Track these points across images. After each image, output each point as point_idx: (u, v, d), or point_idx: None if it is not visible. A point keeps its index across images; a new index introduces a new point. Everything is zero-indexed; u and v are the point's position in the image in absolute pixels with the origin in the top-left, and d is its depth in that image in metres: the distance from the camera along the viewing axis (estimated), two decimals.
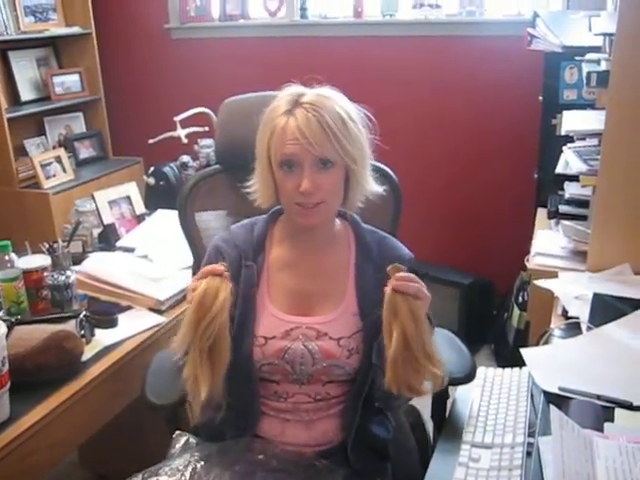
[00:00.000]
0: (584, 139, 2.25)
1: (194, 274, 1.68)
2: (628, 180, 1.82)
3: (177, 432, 1.39)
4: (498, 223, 3.23)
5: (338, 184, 1.27)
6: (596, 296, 1.70)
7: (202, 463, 1.28)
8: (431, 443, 1.62)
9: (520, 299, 2.99)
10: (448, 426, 1.45)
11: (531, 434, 1.35)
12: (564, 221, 2.18)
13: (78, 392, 1.50)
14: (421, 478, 1.50)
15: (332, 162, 1.22)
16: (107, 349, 1.65)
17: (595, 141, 2.08)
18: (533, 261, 2.05)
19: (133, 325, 1.75)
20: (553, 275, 1.94)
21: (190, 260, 1.98)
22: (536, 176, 2.70)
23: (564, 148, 2.13)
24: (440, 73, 3.10)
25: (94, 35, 3.59)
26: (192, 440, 1.37)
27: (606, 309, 1.65)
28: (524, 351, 1.55)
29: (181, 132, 3.05)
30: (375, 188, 1.32)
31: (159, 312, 1.83)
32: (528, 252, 2.90)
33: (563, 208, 2.28)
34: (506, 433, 1.36)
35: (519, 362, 2.29)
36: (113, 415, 1.65)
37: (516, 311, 2.95)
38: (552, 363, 1.49)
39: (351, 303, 1.32)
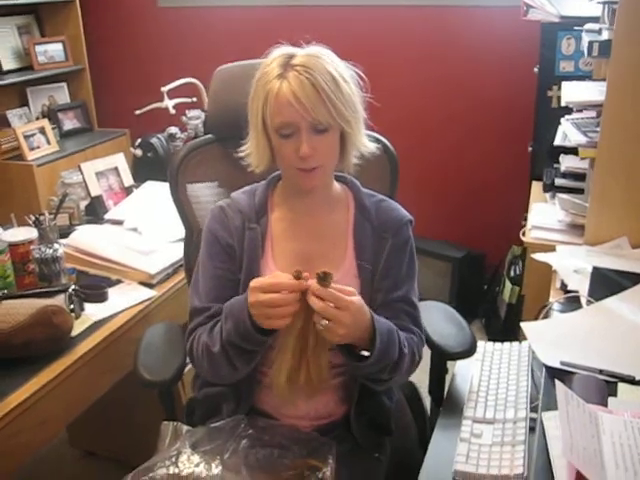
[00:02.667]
0: (581, 111, 2.22)
1: (186, 247, 1.66)
2: (627, 152, 1.79)
3: (164, 422, 1.35)
4: (491, 196, 3.20)
5: (334, 146, 1.25)
6: (595, 270, 1.68)
7: (194, 449, 1.25)
8: (428, 418, 1.60)
9: (512, 273, 2.98)
10: (448, 401, 1.43)
11: (533, 409, 1.33)
12: (560, 194, 2.16)
13: (68, 368, 1.45)
14: (419, 453, 1.50)
15: (327, 126, 1.20)
16: (97, 324, 1.60)
17: (593, 113, 2.05)
18: (530, 234, 2.03)
19: (123, 299, 1.70)
20: (550, 249, 1.91)
21: (181, 233, 1.95)
22: (530, 149, 2.66)
23: (562, 120, 2.09)
24: (434, 44, 3.04)
25: (77, 2, 3.48)
26: (181, 426, 1.34)
27: (606, 283, 1.63)
28: (525, 325, 1.53)
29: (169, 103, 2.97)
30: (370, 146, 1.31)
31: (150, 286, 1.79)
32: (521, 225, 2.90)
33: (559, 181, 2.25)
34: (508, 408, 1.34)
35: (510, 336, 2.28)
36: (103, 392, 1.61)
37: (508, 285, 2.94)
38: (553, 337, 1.47)
39: (351, 265, 1.31)
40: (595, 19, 2.27)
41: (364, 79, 1.25)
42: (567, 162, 2.31)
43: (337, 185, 1.36)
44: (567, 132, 1.98)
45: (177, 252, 1.88)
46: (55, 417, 1.47)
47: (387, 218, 1.33)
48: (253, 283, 1.16)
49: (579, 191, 2.18)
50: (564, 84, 2.10)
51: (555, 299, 1.63)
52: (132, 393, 1.74)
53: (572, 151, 2.36)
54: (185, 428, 1.33)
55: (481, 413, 1.34)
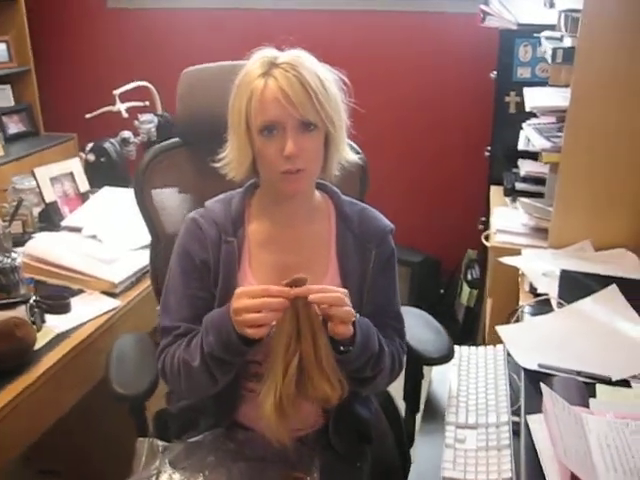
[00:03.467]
0: (537, 116, 2.26)
1: (152, 254, 1.60)
2: (590, 157, 1.83)
3: (139, 439, 1.30)
4: (447, 201, 3.23)
5: (320, 149, 1.21)
6: (564, 272, 1.70)
7: (173, 467, 1.20)
8: (403, 424, 1.58)
9: (469, 277, 3.02)
10: (428, 407, 1.42)
11: (514, 413, 1.33)
12: (522, 198, 2.19)
13: (32, 385, 1.37)
14: (397, 460, 1.48)
15: (314, 125, 1.16)
16: (60, 336, 1.53)
17: (553, 118, 2.09)
18: (494, 238, 2.05)
19: (87, 310, 1.63)
20: (516, 252, 1.94)
21: (143, 240, 1.89)
22: (488, 154, 2.69)
23: (524, 125, 2.13)
24: (387, 50, 3.05)
25: (22, 1, 3.34)
26: (157, 443, 1.29)
27: (574, 285, 1.66)
28: (500, 329, 1.54)
29: (121, 106, 2.88)
30: (351, 156, 1.27)
31: (113, 295, 1.72)
32: (478, 229, 2.95)
33: (520, 185, 2.30)
34: (489, 412, 1.34)
35: (469, 340, 2.28)
36: (69, 408, 1.53)
37: (466, 289, 2.97)
38: (529, 340, 1.48)
39: (334, 276, 1.27)
40: (551, 27, 2.33)
41: (347, 84, 1.21)
42: (526, 166, 2.35)
43: (317, 193, 1.32)
44: (530, 137, 2.01)
45: (140, 260, 1.82)
46: (17, 438, 1.39)
47: (370, 228, 1.30)
48: (240, 290, 1.12)
49: (539, 195, 2.23)
50: (526, 90, 2.14)
51: (526, 302, 1.65)
52: (96, 407, 1.67)
53: (531, 155, 2.41)
54: (161, 444, 1.27)
55: (463, 418, 1.33)
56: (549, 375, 1.34)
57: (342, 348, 1.15)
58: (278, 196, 1.25)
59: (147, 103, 2.98)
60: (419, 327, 1.53)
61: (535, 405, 1.26)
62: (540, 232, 2.03)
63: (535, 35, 2.29)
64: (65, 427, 1.58)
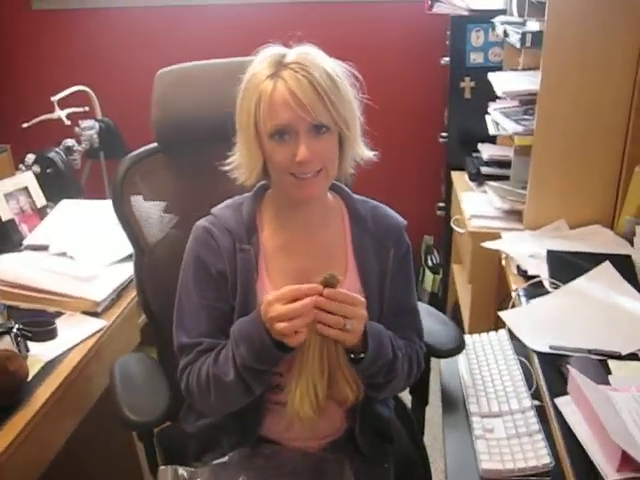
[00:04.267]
0: (494, 100, 2.30)
1: (137, 269, 1.51)
2: (562, 139, 1.88)
3: (161, 468, 1.22)
4: (403, 189, 3.23)
5: (335, 150, 1.16)
6: (550, 253, 1.73)
7: None
8: (412, 417, 1.57)
9: (430, 262, 3.05)
10: (446, 399, 1.42)
11: (534, 396, 1.35)
12: (491, 182, 2.21)
13: (30, 421, 1.26)
14: (414, 454, 1.47)
15: (327, 127, 1.11)
16: (49, 366, 1.41)
17: (516, 102, 2.12)
18: (470, 224, 2.06)
19: (72, 333, 1.52)
20: (493, 236, 1.96)
21: (118, 253, 1.79)
22: (445, 140, 2.72)
23: (490, 110, 2.15)
24: (339, 40, 2.99)
25: None
26: (182, 472, 1.21)
27: (563, 265, 1.69)
28: (503, 314, 1.55)
29: (61, 113, 2.72)
30: (367, 153, 1.22)
31: (95, 315, 1.61)
32: (434, 215, 2.98)
33: (485, 170, 2.32)
34: (510, 399, 1.35)
35: None
36: (64, 441, 1.43)
37: (429, 275, 3.00)
38: (533, 323, 1.50)
39: (354, 280, 1.23)
40: (502, 11, 2.37)
41: (359, 78, 1.17)
42: (489, 150, 2.39)
43: (328, 194, 1.27)
44: (499, 121, 2.04)
45: (119, 275, 1.73)
46: (19, 476, 1.28)
47: (385, 226, 1.26)
48: (271, 297, 1.06)
49: (505, 178, 2.26)
50: (491, 75, 2.16)
51: (520, 285, 1.66)
52: (90, 436, 1.58)
53: (491, 139, 2.45)
54: (186, 472, 1.20)
55: (486, 407, 1.34)
56: (562, 356, 1.36)
57: (352, 356, 1.13)
58: (291, 201, 1.20)
59: (87, 108, 2.84)
60: (425, 319, 1.51)
61: (557, 387, 1.28)
62: (514, 214, 2.07)
63: (491, 20, 2.32)
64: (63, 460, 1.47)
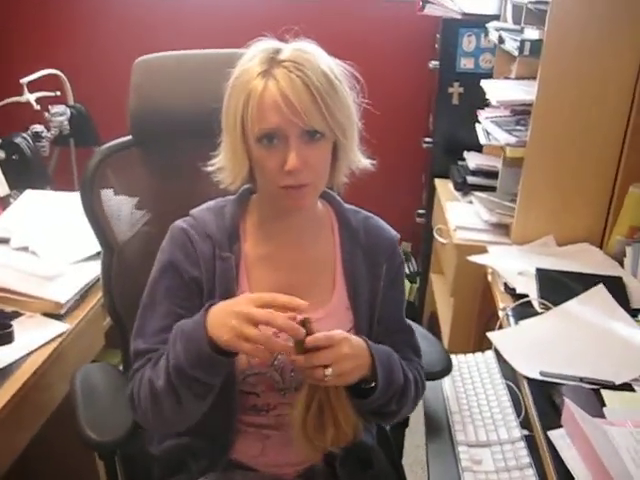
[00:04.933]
0: (483, 108, 2.23)
1: (105, 269, 1.41)
2: (555, 152, 1.82)
3: None
4: (380, 192, 3.15)
5: (327, 160, 1.06)
6: (540, 271, 1.67)
7: None
8: (391, 439, 1.49)
9: (407, 270, 2.98)
10: (430, 425, 1.34)
11: (523, 425, 1.28)
12: (478, 193, 2.15)
13: None
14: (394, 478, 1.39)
15: (321, 133, 1.02)
16: (4, 372, 1.30)
17: (507, 111, 2.06)
18: (456, 236, 1.99)
19: (31, 337, 1.40)
20: (479, 250, 1.90)
21: (83, 251, 1.68)
22: (428, 145, 2.64)
23: (481, 118, 2.08)
24: (322, 38, 2.92)
25: None
26: None
27: (553, 284, 1.63)
28: (492, 335, 1.49)
29: (30, 97, 2.58)
30: (363, 162, 1.13)
31: (57, 317, 1.50)
32: (413, 222, 2.91)
33: (471, 179, 2.26)
34: (498, 427, 1.28)
35: None
36: (16, 456, 1.31)
37: (405, 284, 2.93)
38: (522, 346, 1.43)
39: (342, 296, 1.14)
40: (496, 17, 2.30)
41: (359, 80, 1.08)
42: (475, 159, 2.32)
43: (318, 202, 1.18)
44: (490, 131, 1.97)
45: (85, 275, 1.62)
46: None
47: (378, 240, 1.17)
48: (246, 296, 0.98)
49: (491, 189, 2.20)
50: (484, 82, 2.09)
51: (508, 304, 1.59)
52: (45, 451, 1.47)
53: (477, 148, 2.39)
54: None
55: (473, 436, 1.27)
56: (554, 384, 1.30)
57: (363, 386, 1.04)
58: (278, 210, 1.10)
59: (58, 93, 2.71)
60: None
61: (550, 418, 1.21)
62: (501, 228, 2.01)
63: (484, 25, 2.25)
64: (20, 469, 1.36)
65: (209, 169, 1.11)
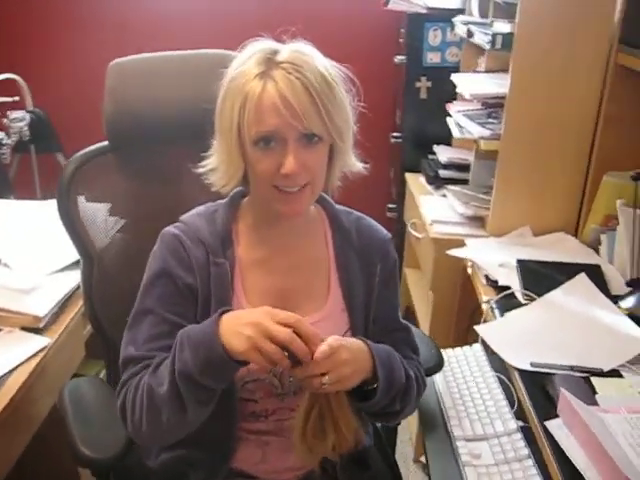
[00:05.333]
0: (451, 102, 2.25)
1: (85, 277, 1.37)
2: (529, 144, 1.84)
3: None
4: (349, 188, 3.16)
5: (324, 163, 1.06)
6: (521, 262, 1.69)
7: None
8: (383, 437, 1.49)
9: None
10: (426, 421, 1.34)
11: (517, 416, 1.29)
12: (452, 186, 2.16)
13: None
14: (389, 476, 1.39)
15: (319, 137, 1.01)
16: None
17: (478, 104, 2.07)
18: (433, 230, 2.00)
19: (12, 352, 1.35)
20: (457, 243, 1.91)
21: (59, 261, 1.63)
22: (397, 140, 2.65)
23: (452, 112, 2.09)
24: (289, 33, 2.90)
25: None
26: None
27: (535, 275, 1.65)
28: (480, 328, 1.49)
29: None
30: (357, 166, 1.13)
31: (36, 331, 1.45)
32: (384, 217, 2.91)
33: (443, 173, 2.27)
34: (494, 420, 1.29)
35: None
36: (5, 475, 1.27)
37: None
38: (510, 337, 1.44)
39: (337, 298, 1.14)
40: (461, 11, 2.32)
41: (355, 82, 1.06)
42: (446, 153, 2.34)
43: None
44: (463, 124, 1.98)
45: (61, 286, 1.57)
46: None
47: (371, 240, 1.17)
48: (270, 309, 0.94)
49: (464, 182, 2.22)
50: (455, 76, 2.10)
51: (493, 297, 1.61)
52: (33, 469, 1.42)
53: (447, 142, 2.40)
54: None
55: (470, 430, 1.28)
56: (545, 374, 1.31)
57: (365, 388, 1.04)
58: (272, 214, 1.08)
59: (17, 98, 2.63)
60: None
61: (545, 408, 1.22)
62: (476, 220, 2.02)
63: (450, 19, 2.26)
64: None
65: (200, 170, 1.09)
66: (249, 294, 1.09)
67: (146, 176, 1.46)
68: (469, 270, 1.81)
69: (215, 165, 1.06)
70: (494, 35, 1.76)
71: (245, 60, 1.00)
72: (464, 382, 1.41)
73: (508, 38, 1.75)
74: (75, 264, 1.64)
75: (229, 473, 1.14)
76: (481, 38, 1.87)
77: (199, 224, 1.10)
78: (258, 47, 1.01)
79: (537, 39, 1.72)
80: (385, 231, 1.21)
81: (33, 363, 1.35)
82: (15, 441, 1.31)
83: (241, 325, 0.92)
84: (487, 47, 1.81)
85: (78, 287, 1.59)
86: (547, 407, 1.23)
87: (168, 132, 1.41)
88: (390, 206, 2.85)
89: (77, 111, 2.74)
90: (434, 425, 1.31)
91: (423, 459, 2.16)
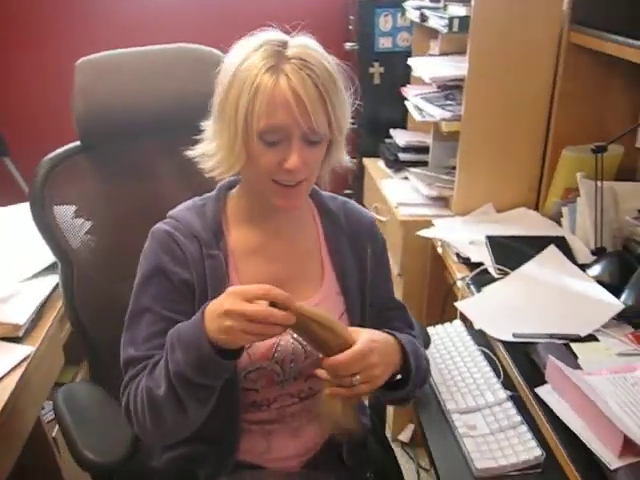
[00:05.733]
0: (405, 85, 2.29)
1: (64, 281, 1.35)
2: (488, 124, 1.90)
3: None
4: None
5: (321, 159, 1.07)
6: (490, 239, 1.74)
7: None
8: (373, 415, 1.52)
9: None
10: (419, 398, 1.37)
11: (505, 386, 1.34)
12: (413, 169, 2.20)
13: None
14: (382, 452, 1.42)
15: (321, 135, 1.01)
16: None
17: (433, 87, 2.12)
18: (399, 212, 2.04)
19: None
20: (424, 224, 1.95)
21: (32, 267, 1.59)
22: (352, 126, 2.67)
23: (409, 96, 2.13)
24: (235, 22, 2.87)
25: None
26: None
27: (505, 250, 1.71)
28: (460, 304, 1.54)
29: None
30: (346, 159, 1.14)
31: (16, 340, 1.41)
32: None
33: (403, 156, 2.31)
34: (483, 392, 1.34)
35: None
36: None
37: None
38: (490, 311, 1.49)
39: (332, 282, 1.16)
40: None
41: (353, 79, 1.06)
42: (404, 136, 2.38)
43: None
44: (423, 108, 2.02)
45: (38, 291, 1.54)
46: None
47: (359, 223, 1.19)
48: (233, 288, 0.94)
49: (423, 164, 2.26)
50: (412, 61, 2.14)
51: (467, 274, 1.65)
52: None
53: (403, 125, 2.45)
54: None
55: (463, 403, 1.32)
56: (527, 343, 1.37)
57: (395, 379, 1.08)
58: (266, 206, 1.09)
59: None
60: None
61: (533, 376, 1.28)
62: (440, 201, 2.07)
63: (401, 4, 2.29)
64: None
65: (191, 154, 1.08)
66: (244, 282, 1.09)
67: (121, 174, 1.44)
68: (439, 249, 1.86)
69: (213, 151, 1.06)
70: (451, 19, 1.81)
71: (251, 52, 0.99)
72: (450, 358, 1.45)
73: (465, 21, 1.79)
74: (48, 269, 1.61)
75: (235, 466, 1.14)
76: (437, 22, 1.91)
77: (190, 218, 1.10)
78: (265, 37, 1.00)
79: (493, 21, 1.77)
80: (370, 213, 1.24)
81: (18, 374, 1.32)
82: (4, 455, 1.27)
83: (217, 318, 0.92)
84: (444, 30, 1.85)
85: (53, 292, 1.56)
86: (534, 375, 1.28)
87: (142, 128, 1.40)
88: (347, 192, 2.88)
89: (24, 113, 2.65)
90: (427, 401, 1.35)
91: (401, 437, 2.22)
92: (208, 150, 1.06)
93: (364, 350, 0.98)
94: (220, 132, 1.03)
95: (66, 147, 1.38)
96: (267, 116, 0.97)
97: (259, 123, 0.98)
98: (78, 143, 1.39)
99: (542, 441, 1.18)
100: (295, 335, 1.08)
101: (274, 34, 1.02)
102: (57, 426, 1.66)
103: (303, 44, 1.00)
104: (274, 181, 1.02)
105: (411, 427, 2.22)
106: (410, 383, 1.08)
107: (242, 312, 0.90)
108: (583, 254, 1.67)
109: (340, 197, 1.23)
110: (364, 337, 1.00)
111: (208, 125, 1.07)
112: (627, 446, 1.03)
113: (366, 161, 2.55)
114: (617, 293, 1.47)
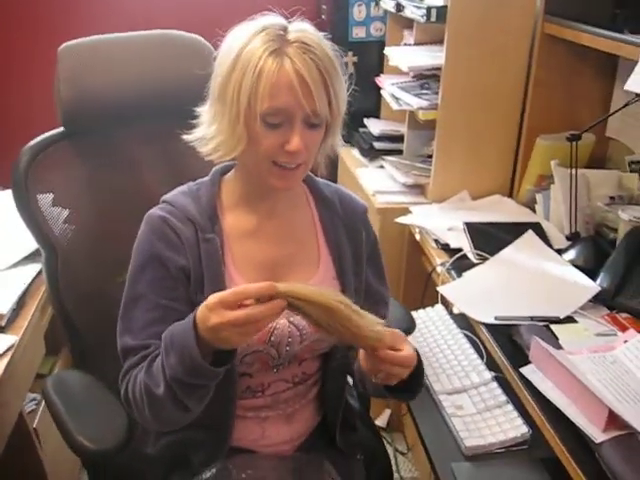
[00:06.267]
0: (379, 75, 2.31)
1: (48, 271, 1.33)
2: (464, 112, 1.93)
3: None
4: None
5: (319, 142, 1.08)
6: (468, 225, 1.78)
7: None
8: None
9: None
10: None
11: (490, 367, 1.38)
12: (389, 157, 2.23)
13: None
14: (373, 438, 1.44)
15: (322, 118, 1.02)
16: None
17: (408, 77, 2.14)
18: (377, 200, 2.06)
19: None
20: (401, 212, 1.98)
21: (13, 256, 1.57)
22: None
23: (386, 85, 2.15)
24: (207, 13, 2.84)
25: None
26: None
27: (483, 236, 1.75)
28: (442, 289, 1.57)
29: None
30: (340, 144, 1.16)
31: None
32: None
33: (378, 145, 2.33)
34: (469, 373, 1.38)
35: None
36: None
37: None
38: (472, 295, 1.53)
39: (328, 265, 1.17)
40: None
41: (347, 65, 1.08)
42: (376, 126, 2.40)
43: None
44: (399, 96, 2.04)
45: (18, 280, 1.51)
46: None
47: (353, 209, 1.21)
48: (212, 299, 0.91)
49: (398, 152, 2.29)
50: (388, 50, 2.16)
51: (447, 260, 1.69)
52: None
53: (375, 115, 2.47)
54: None
55: (449, 385, 1.35)
56: (509, 326, 1.41)
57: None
58: (263, 188, 1.09)
59: None
60: None
61: (516, 357, 1.32)
62: (416, 188, 2.10)
63: None
64: None
65: (188, 137, 1.08)
66: (239, 266, 1.10)
67: (104, 160, 1.42)
68: (417, 236, 1.89)
69: (212, 134, 1.05)
70: (429, 9, 1.83)
71: (252, 34, 0.99)
72: (434, 341, 1.48)
73: (442, 11, 1.82)
74: (28, 258, 1.58)
75: (229, 451, 1.15)
76: (414, 12, 1.93)
77: (185, 202, 1.10)
78: (265, 22, 1.00)
79: (469, 11, 1.81)
80: (362, 201, 1.25)
81: (2, 364, 1.30)
82: None
83: (210, 331, 0.91)
84: (422, 20, 1.87)
85: (33, 281, 1.54)
86: (517, 355, 1.32)
87: (126, 115, 1.39)
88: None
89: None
90: None
91: (378, 422, 2.25)
92: (207, 133, 1.06)
93: (409, 360, 1.00)
94: (220, 115, 1.03)
95: (49, 133, 1.36)
96: (270, 98, 0.98)
97: (262, 105, 0.98)
98: (61, 129, 1.37)
99: (528, 419, 1.22)
100: (291, 319, 1.10)
101: (274, 19, 1.02)
102: (37, 418, 1.65)
103: (303, 28, 1.01)
104: (274, 163, 1.03)
105: (388, 412, 2.25)
106: (421, 386, 1.11)
107: (231, 322, 0.89)
108: (558, 239, 1.72)
109: (333, 184, 1.25)
110: (411, 348, 1.02)
111: (204, 109, 1.07)
112: (611, 420, 1.08)
113: (340, 150, 2.56)
114: (592, 276, 1.52)
